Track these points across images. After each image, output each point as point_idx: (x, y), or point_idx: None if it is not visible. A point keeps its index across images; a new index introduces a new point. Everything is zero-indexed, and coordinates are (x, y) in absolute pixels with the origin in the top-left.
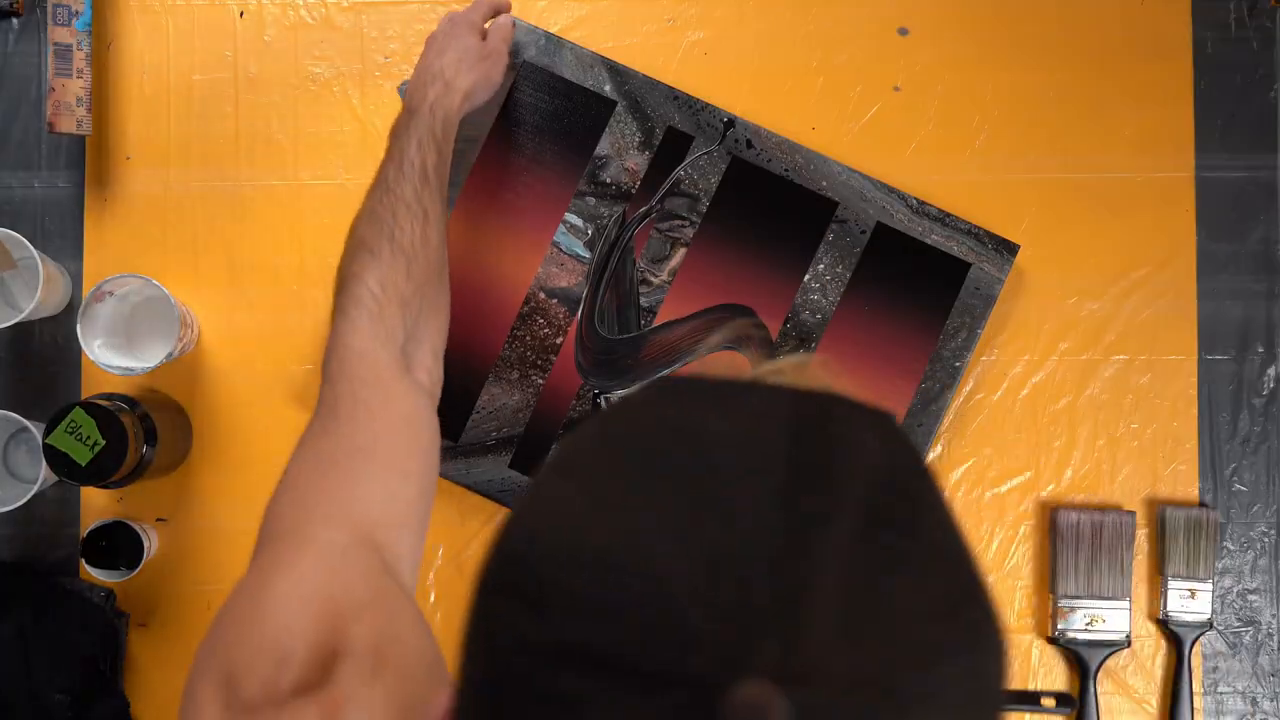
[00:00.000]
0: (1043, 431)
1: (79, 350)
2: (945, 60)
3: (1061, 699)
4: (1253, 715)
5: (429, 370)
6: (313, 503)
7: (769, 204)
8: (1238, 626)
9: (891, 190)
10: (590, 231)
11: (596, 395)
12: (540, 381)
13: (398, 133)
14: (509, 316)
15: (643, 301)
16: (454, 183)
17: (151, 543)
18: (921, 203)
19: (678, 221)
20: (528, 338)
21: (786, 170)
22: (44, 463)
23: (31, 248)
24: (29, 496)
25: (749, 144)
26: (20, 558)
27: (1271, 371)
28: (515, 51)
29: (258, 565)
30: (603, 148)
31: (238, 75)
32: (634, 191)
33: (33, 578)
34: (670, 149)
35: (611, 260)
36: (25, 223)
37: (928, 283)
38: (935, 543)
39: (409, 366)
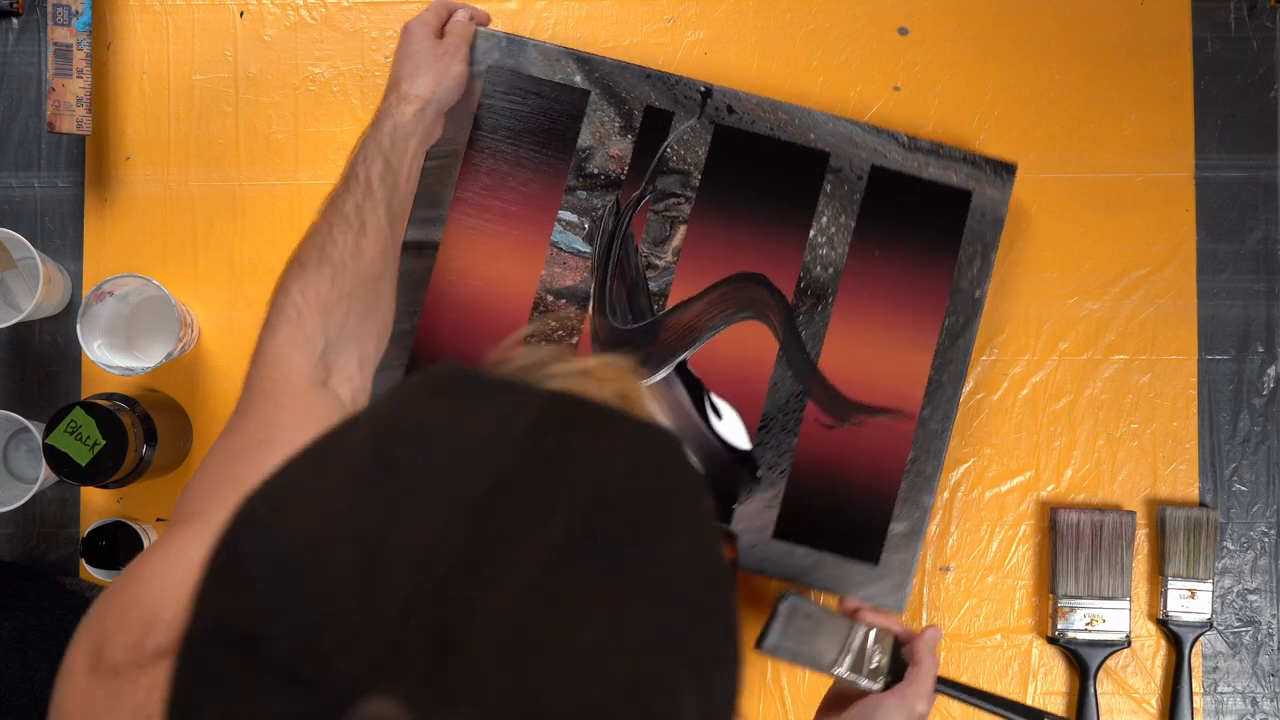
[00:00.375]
0: (1043, 431)
1: (79, 350)
2: (945, 60)
3: None
4: (1253, 715)
5: (351, 378)
6: (213, 490)
7: (761, 166)
8: (1238, 626)
9: (880, 131)
10: (587, 225)
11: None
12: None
13: (354, 147)
14: (520, 324)
15: (651, 286)
16: (439, 200)
17: (151, 543)
18: (912, 139)
19: (673, 199)
20: (542, 343)
21: (772, 129)
22: (44, 463)
23: (31, 248)
24: (29, 496)
25: (730, 110)
26: (20, 558)
27: (1271, 371)
28: (476, 58)
29: (148, 546)
30: (584, 139)
31: (238, 75)
32: (623, 178)
33: (33, 578)
34: (652, 128)
35: (613, 250)
36: (25, 223)
37: (933, 218)
38: (654, 573)
39: (329, 372)
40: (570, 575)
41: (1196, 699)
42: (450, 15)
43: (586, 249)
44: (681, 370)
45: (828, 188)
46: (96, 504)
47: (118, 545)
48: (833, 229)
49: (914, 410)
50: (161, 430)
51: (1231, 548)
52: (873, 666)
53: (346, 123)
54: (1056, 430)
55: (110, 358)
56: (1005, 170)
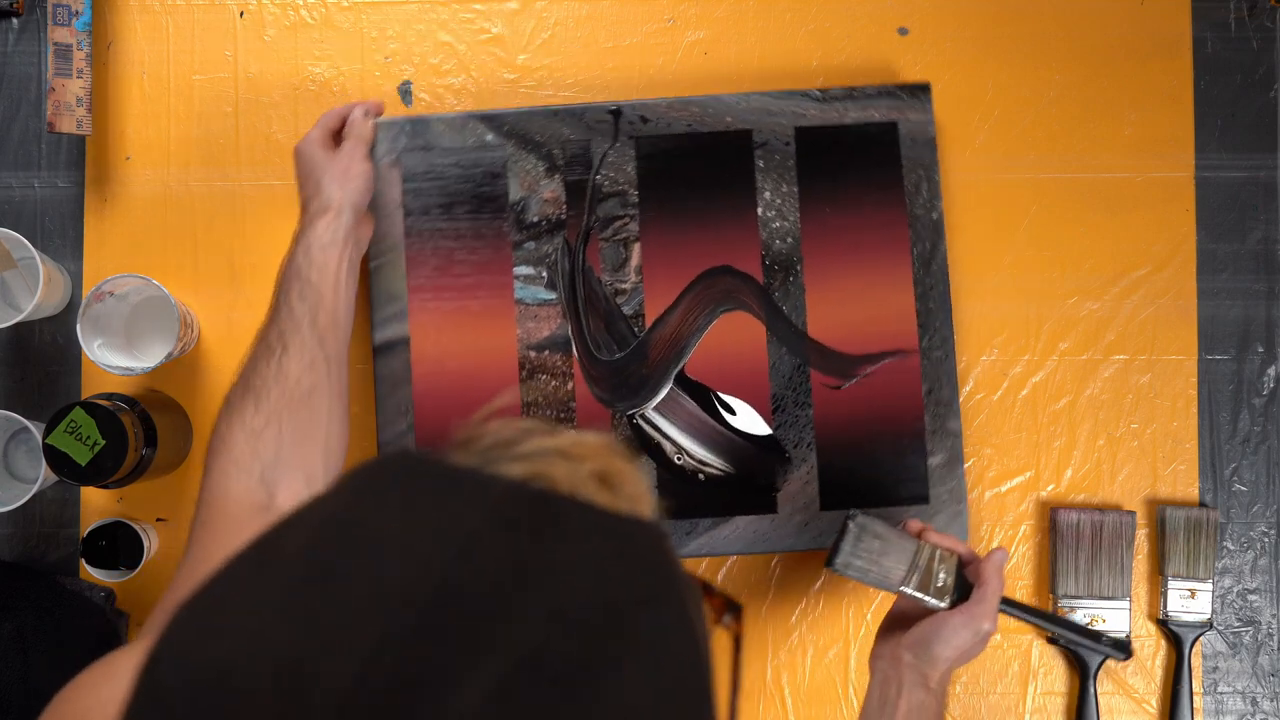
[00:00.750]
0: (1043, 431)
1: (79, 350)
2: (945, 60)
3: (1121, 645)
4: (1253, 715)
5: (298, 495)
6: (158, 622)
7: (691, 163)
8: (1238, 626)
9: (791, 93)
10: (545, 273)
11: (631, 417)
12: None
13: (277, 275)
14: (504, 390)
15: (626, 310)
16: (396, 294)
17: (151, 543)
18: (824, 90)
19: (618, 222)
20: (540, 399)
21: (689, 125)
22: (44, 463)
23: (31, 248)
24: (29, 496)
25: (643, 119)
26: (20, 558)
27: (1271, 371)
28: (385, 148)
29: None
30: (515, 193)
31: (238, 75)
32: (564, 217)
33: (33, 578)
34: (575, 162)
35: (577, 288)
36: (25, 223)
37: (869, 158)
38: (618, 705)
39: (272, 494)
40: (513, 716)
41: (1196, 699)
42: (342, 122)
43: (552, 295)
44: (682, 381)
45: (760, 163)
46: (96, 504)
47: (118, 545)
48: (778, 200)
49: (913, 345)
50: (161, 430)
51: (1231, 548)
52: (939, 585)
53: None
54: (1056, 430)
55: (110, 358)
56: (921, 91)
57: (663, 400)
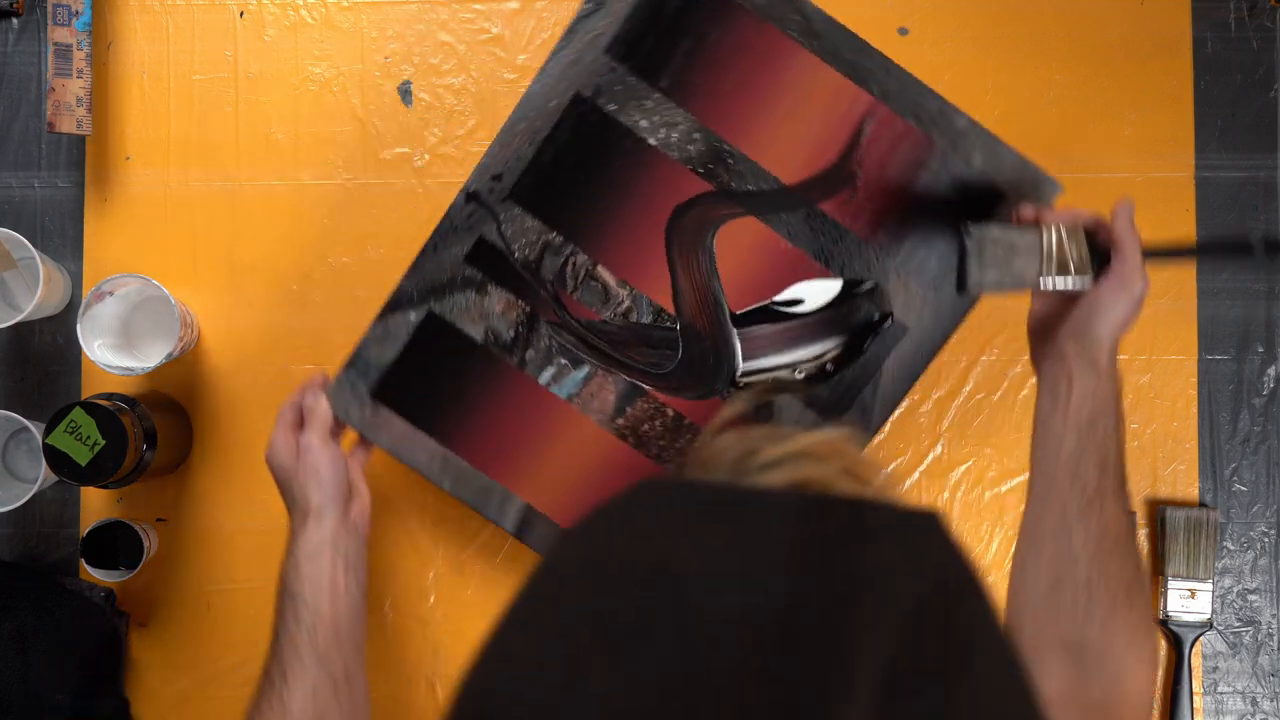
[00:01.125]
0: None
1: (79, 350)
2: (945, 60)
3: (1271, 245)
4: (1253, 715)
5: None
6: None
7: (564, 168)
8: (1238, 626)
9: (570, 37)
10: (561, 360)
11: (733, 386)
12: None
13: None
14: (637, 461)
15: (646, 319)
16: (483, 487)
17: (151, 543)
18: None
19: (567, 267)
20: (660, 442)
21: (532, 140)
22: (44, 463)
23: (31, 248)
24: (29, 496)
25: (495, 178)
26: (20, 558)
27: (1271, 371)
28: (346, 414)
29: None
30: (479, 334)
31: (238, 75)
32: (530, 309)
33: (33, 578)
34: (489, 263)
35: (594, 345)
36: (25, 223)
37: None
38: (976, 705)
39: None
40: None
41: (1196, 699)
42: (299, 413)
43: (584, 369)
44: (739, 321)
45: (610, 106)
46: (96, 504)
47: (118, 545)
48: (654, 116)
49: (868, 103)
50: (161, 430)
51: (1231, 548)
52: (1077, 263)
53: (346, 123)
54: None
55: (110, 358)
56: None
57: (743, 349)
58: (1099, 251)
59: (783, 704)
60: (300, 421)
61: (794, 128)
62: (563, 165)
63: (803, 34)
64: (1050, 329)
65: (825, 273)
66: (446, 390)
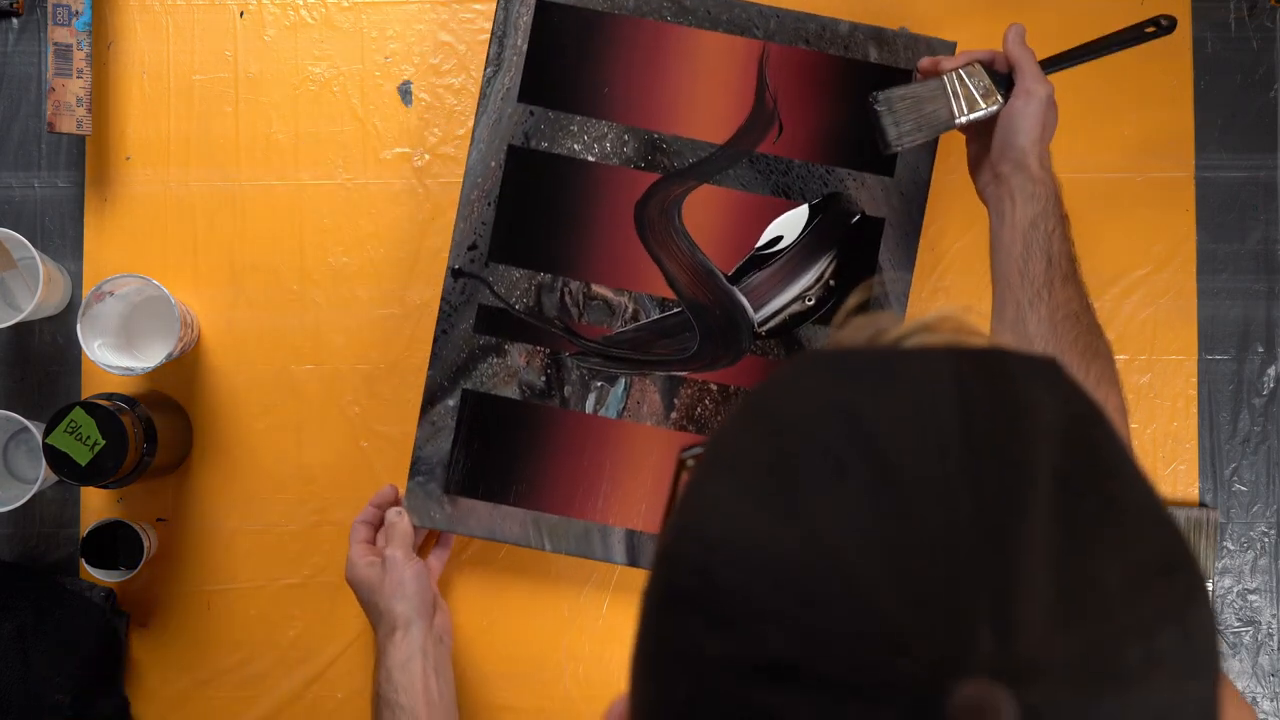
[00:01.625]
0: None
1: (79, 350)
2: None
3: (1164, 21)
4: None
5: None
6: None
7: (516, 202)
8: (1238, 626)
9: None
10: (598, 385)
11: (756, 339)
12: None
13: (371, 706)
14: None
15: (655, 314)
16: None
17: (151, 543)
18: None
19: (565, 297)
20: (718, 417)
21: (487, 193)
22: (44, 463)
23: (31, 248)
24: (29, 496)
25: (471, 246)
26: (20, 558)
27: (1271, 371)
28: (423, 519)
29: None
30: (514, 393)
31: (238, 75)
32: (551, 351)
33: (33, 578)
34: (491, 326)
35: (624, 356)
36: (25, 223)
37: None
38: (1133, 501)
39: None
40: (1075, 527)
41: None
42: (374, 529)
43: (622, 384)
44: (735, 278)
45: (542, 145)
46: (96, 504)
47: (118, 545)
48: (584, 137)
49: (758, 47)
50: (161, 430)
51: (1231, 548)
52: (983, 93)
53: (347, 123)
54: None
55: (110, 358)
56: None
57: (750, 301)
58: (1000, 78)
59: (978, 517)
60: (372, 537)
61: (706, 94)
62: (524, 212)
63: (677, 15)
64: (983, 163)
65: (789, 204)
66: (508, 456)
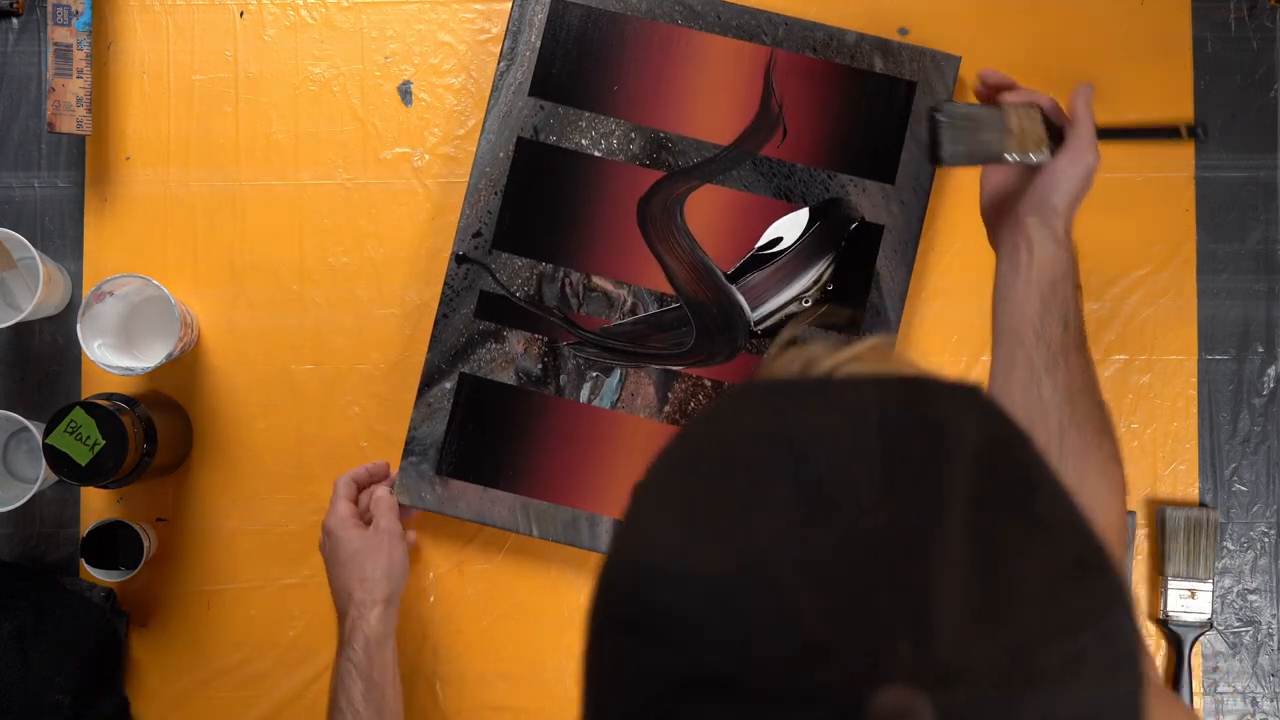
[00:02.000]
0: None
1: (79, 350)
2: None
3: (1193, 129)
4: (1253, 715)
5: None
6: None
7: (519, 197)
8: (1238, 626)
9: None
10: (593, 373)
11: (753, 336)
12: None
13: (333, 670)
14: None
15: (655, 308)
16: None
17: (151, 543)
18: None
19: (565, 287)
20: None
21: (495, 183)
22: (44, 463)
23: (31, 248)
24: (29, 496)
25: (475, 234)
26: (20, 558)
27: (1271, 371)
28: (407, 506)
29: None
30: (510, 379)
31: (238, 75)
32: (549, 340)
33: (33, 578)
34: (492, 314)
35: (621, 349)
36: (25, 223)
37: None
38: (1052, 513)
39: None
40: (990, 535)
41: (1196, 699)
42: (359, 490)
43: (617, 374)
44: (734, 277)
45: (550, 138)
46: (96, 504)
47: (118, 545)
48: (592, 133)
49: (765, 53)
50: (161, 430)
51: (1231, 548)
52: (1035, 139)
53: (347, 123)
54: None
55: (110, 358)
56: None
57: (747, 300)
58: (1055, 129)
59: (896, 531)
60: (356, 497)
61: (713, 97)
62: (529, 203)
63: (688, 19)
64: (1006, 205)
65: (791, 207)
66: (501, 441)
